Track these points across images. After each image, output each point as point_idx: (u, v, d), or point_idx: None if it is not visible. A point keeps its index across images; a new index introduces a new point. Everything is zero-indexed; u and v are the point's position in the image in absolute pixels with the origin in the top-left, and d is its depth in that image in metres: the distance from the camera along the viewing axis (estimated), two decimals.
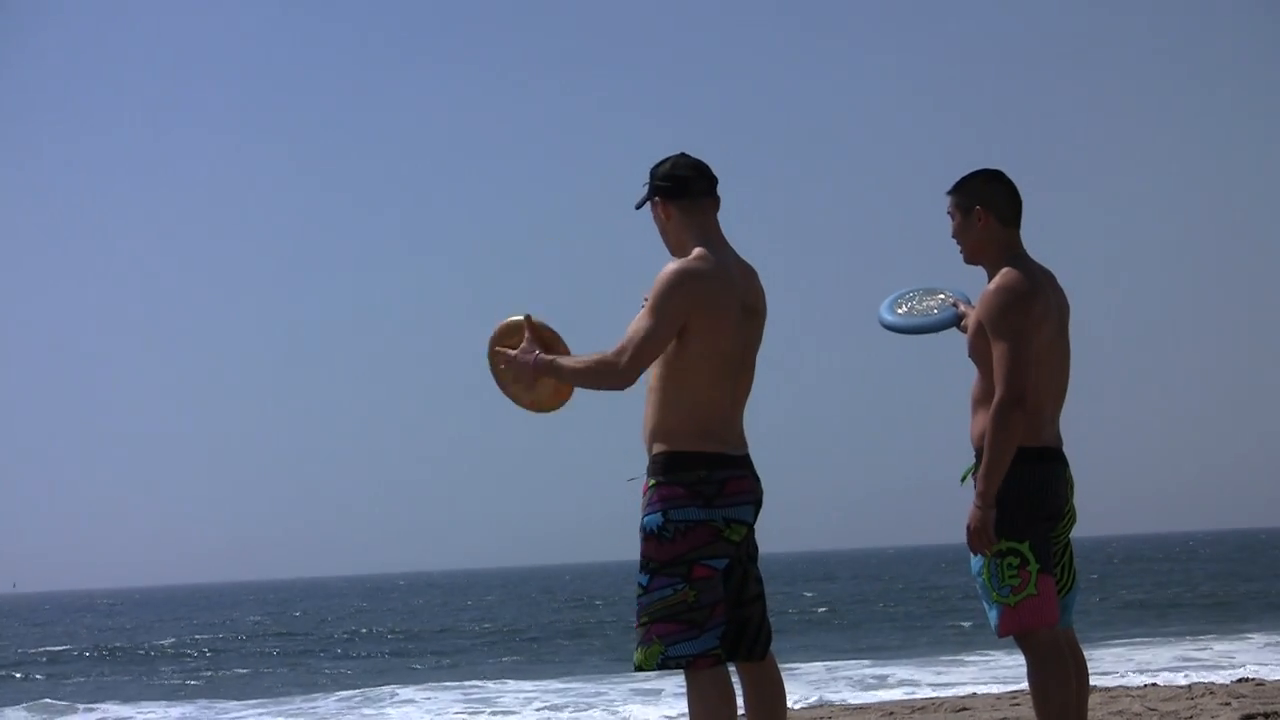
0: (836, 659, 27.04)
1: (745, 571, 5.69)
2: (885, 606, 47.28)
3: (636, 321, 5.59)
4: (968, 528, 5.95)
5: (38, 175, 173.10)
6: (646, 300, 5.61)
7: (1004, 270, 6.04)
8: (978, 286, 6.19)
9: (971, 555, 6.01)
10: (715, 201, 5.76)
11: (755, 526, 5.74)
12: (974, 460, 6.04)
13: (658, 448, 5.64)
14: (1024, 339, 5.91)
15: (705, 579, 5.57)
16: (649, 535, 5.61)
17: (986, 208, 6.10)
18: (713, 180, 5.77)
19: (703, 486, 5.58)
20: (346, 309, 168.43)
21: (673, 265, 5.62)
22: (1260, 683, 13.75)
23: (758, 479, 5.72)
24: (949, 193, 6.18)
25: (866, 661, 26.13)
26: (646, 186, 5.79)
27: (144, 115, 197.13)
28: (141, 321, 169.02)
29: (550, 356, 5.73)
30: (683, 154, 5.78)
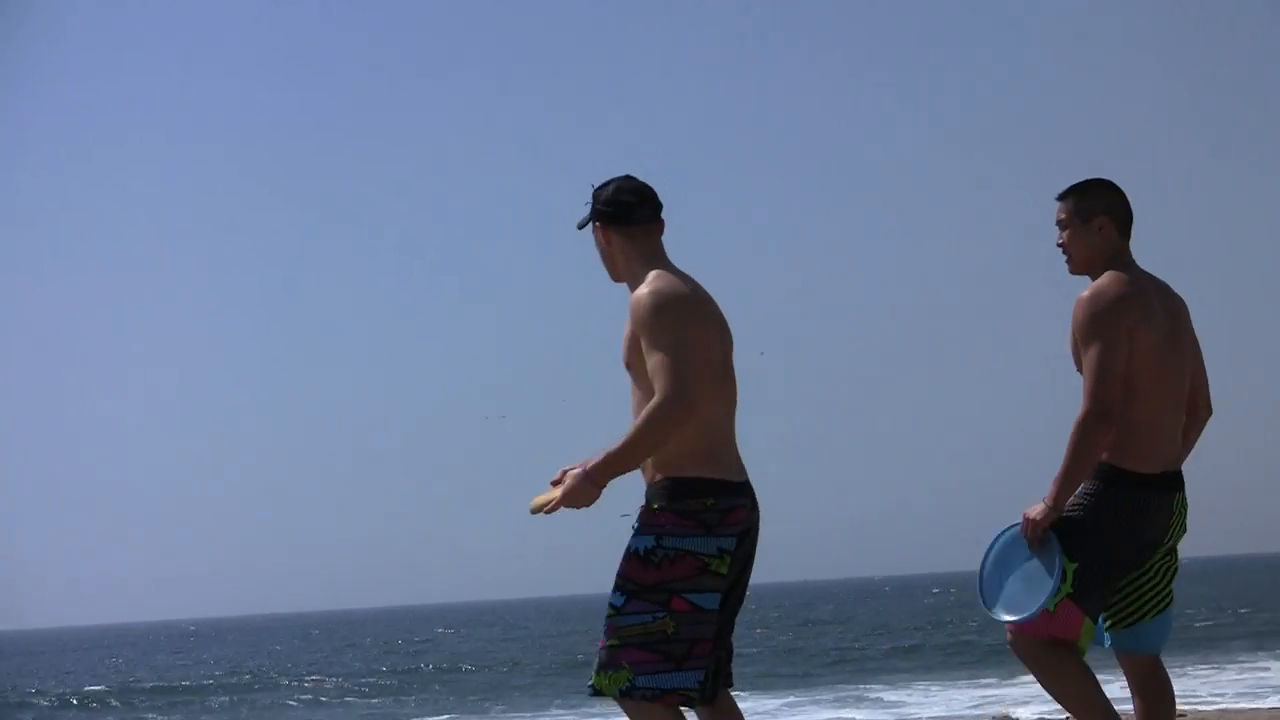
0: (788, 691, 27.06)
1: (733, 614, 5.55)
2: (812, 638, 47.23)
3: (659, 355, 5.38)
4: (1028, 514, 5.85)
5: (20, 190, 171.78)
6: (642, 344, 5.43)
7: (1102, 275, 5.89)
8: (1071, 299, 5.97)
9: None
10: (660, 226, 5.64)
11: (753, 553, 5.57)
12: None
13: (663, 473, 5.46)
14: (1113, 347, 5.76)
15: (683, 613, 5.39)
16: (633, 556, 5.43)
17: (1111, 217, 5.95)
18: (657, 205, 5.63)
19: (707, 515, 5.41)
20: (322, 347, 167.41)
21: (653, 295, 5.45)
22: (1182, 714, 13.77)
23: (755, 506, 5.54)
24: (1062, 199, 5.99)
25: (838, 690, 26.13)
26: (589, 206, 5.68)
27: (140, 121, 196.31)
28: (108, 351, 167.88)
29: (597, 461, 5.42)
30: (628, 177, 5.66)
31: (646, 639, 5.40)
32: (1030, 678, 6.12)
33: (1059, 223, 6.01)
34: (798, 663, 35.64)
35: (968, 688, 25.28)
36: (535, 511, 5.62)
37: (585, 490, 5.42)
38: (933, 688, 25.72)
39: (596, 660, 5.48)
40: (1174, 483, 5.93)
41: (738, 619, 5.62)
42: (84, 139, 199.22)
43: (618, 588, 5.46)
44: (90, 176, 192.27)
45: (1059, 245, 6.01)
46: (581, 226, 5.72)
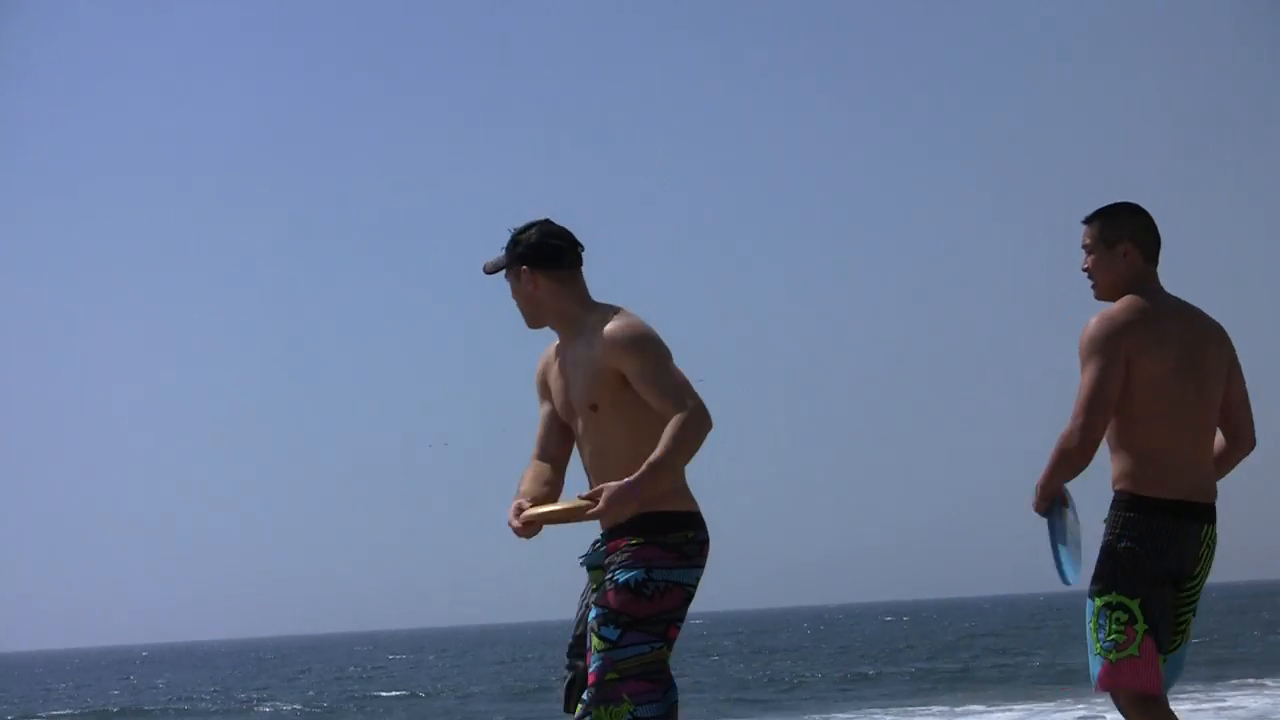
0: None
1: None
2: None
3: (665, 376, 5.50)
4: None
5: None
6: (633, 373, 5.51)
7: (1120, 299, 5.87)
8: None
9: (1087, 600, 5.87)
10: (580, 267, 5.71)
11: None
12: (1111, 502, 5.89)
13: (649, 507, 5.50)
14: (1110, 367, 5.72)
15: (675, 639, 5.58)
16: (625, 588, 5.53)
17: (1136, 243, 5.91)
18: (580, 248, 5.70)
19: (688, 547, 5.57)
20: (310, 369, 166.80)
21: (632, 326, 5.56)
22: None
23: None
24: (1088, 222, 5.95)
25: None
26: (504, 252, 5.69)
27: (136, 123, 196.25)
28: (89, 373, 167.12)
29: (639, 476, 5.43)
30: (547, 221, 5.69)
31: (645, 669, 5.52)
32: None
33: (1084, 247, 5.97)
34: (754, 689, 35.61)
35: (924, 715, 25.34)
36: (537, 521, 5.62)
37: (628, 504, 5.47)
38: (888, 715, 25.74)
39: (590, 694, 5.53)
40: (1203, 514, 5.86)
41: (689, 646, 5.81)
42: (79, 139, 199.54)
43: (609, 621, 5.52)
44: (81, 179, 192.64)
45: (1084, 270, 5.97)
46: (493, 271, 5.72)
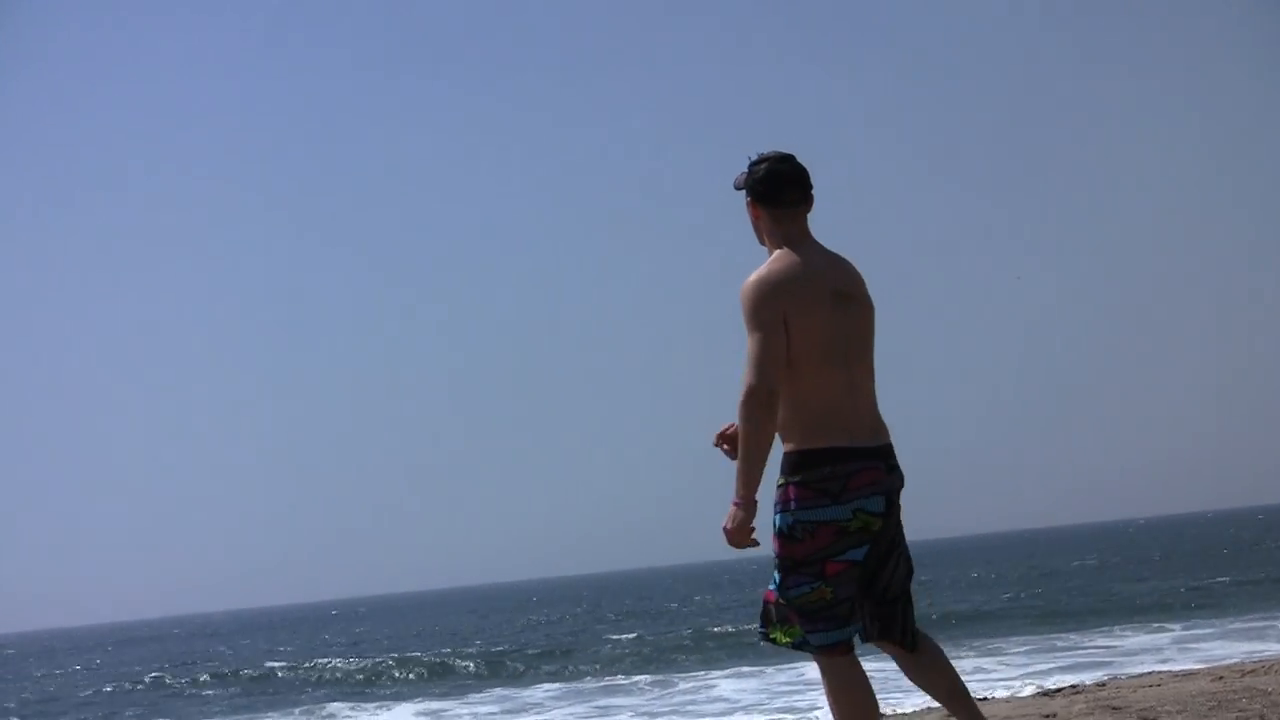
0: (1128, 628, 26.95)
1: (886, 563, 5.71)
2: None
3: (748, 345, 5.59)
4: None
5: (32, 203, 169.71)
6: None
7: None
8: None
9: None
10: (806, 206, 5.80)
11: (900, 517, 5.73)
12: None
13: (785, 447, 5.67)
14: None
15: (840, 574, 5.61)
16: (779, 535, 5.65)
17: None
18: (806, 188, 5.79)
19: (828, 483, 5.60)
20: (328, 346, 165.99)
21: (751, 279, 5.67)
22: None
23: (893, 469, 5.69)
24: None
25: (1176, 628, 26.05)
26: (745, 174, 5.85)
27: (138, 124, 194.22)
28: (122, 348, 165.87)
29: (741, 493, 5.56)
30: (783, 158, 5.81)
31: (813, 608, 5.64)
32: None
33: None
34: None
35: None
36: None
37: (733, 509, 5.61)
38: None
39: (771, 615, 5.78)
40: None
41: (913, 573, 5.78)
42: (79, 141, 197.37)
43: (775, 566, 5.70)
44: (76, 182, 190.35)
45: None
46: (738, 189, 5.88)
